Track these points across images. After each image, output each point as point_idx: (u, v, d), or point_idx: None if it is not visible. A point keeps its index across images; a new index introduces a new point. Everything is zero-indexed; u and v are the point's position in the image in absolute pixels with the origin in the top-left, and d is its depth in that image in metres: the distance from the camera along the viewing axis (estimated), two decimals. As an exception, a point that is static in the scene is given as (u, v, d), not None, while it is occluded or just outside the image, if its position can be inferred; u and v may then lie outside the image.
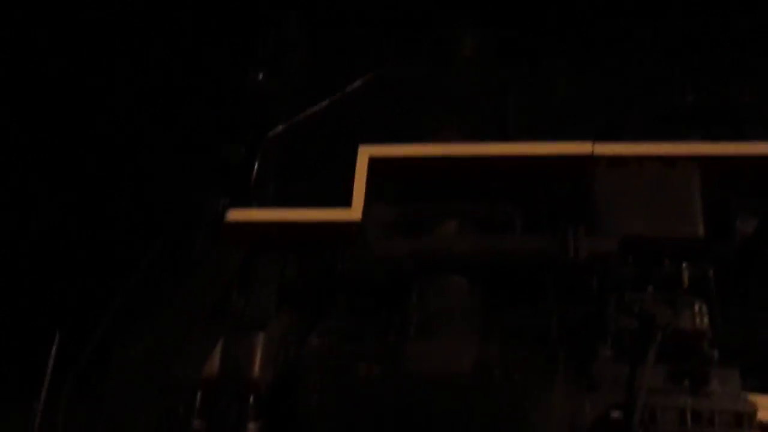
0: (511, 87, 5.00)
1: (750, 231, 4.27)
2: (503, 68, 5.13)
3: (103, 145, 5.31)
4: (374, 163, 4.59)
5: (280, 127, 4.79)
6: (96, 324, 4.34)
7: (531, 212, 4.64)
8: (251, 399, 4.44)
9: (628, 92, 4.79)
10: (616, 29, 4.97)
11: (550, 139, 4.56)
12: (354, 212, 4.49)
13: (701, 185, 4.22)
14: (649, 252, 4.22)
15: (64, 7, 5.45)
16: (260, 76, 4.87)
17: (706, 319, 4.02)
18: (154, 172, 5.13)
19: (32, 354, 4.25)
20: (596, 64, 4.98)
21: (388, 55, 5.14)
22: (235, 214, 4.57)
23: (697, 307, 4.06)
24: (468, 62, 5.32)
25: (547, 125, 4.82)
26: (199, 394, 4.44)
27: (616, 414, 3.95)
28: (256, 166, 4.69)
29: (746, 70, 4.69)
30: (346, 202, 4.50)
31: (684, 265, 4.17)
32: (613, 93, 4.82)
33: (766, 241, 4.15)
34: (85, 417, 4.25)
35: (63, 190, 5.19)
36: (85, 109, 5.43)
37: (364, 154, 4.60)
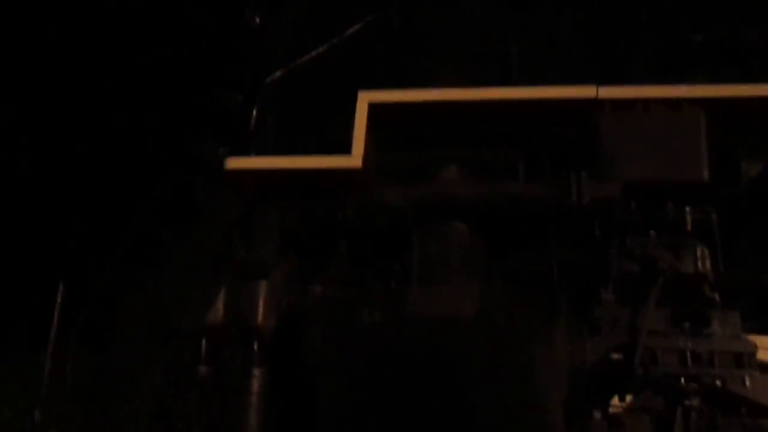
0: (514, 30, 4.87)
1: (755, 174, 4.24)
2: (506, 11, 4.98)
3: (101, 95, 5.20)
4: (374, 108, 4.50)
5: (278, 73, 4.69)
6: (100, 274, 4.35)
7: (534, 157, 4.59)
8: (255, 346, 4.50)
9: (634, 33, 4.68)
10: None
11: (554, 82, 4.47)
12: (354, 159, 4.43)
13: (707, 128, 4.16)
14: (652, 196, 4.20)
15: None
16: (257, 20, 4.73)
17: (708, 263, 4.03)
18: (152, 121, 5.04)
19: (39, 305, 4.27)
20: (601, 4, 4.85)
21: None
22: (235, 162, 4.52)
23: (699, 251, 4.06)
24: (470, 5, 5.17)
25: (551, 68, 4.72)
26: (204, 342, 4.50)
27: (616, 356, 4.00)
28: (254, 113, 4.61)
29: (755, 8, 4.56)
30: (346, 148, 4.44)
31: (687, 209, 4.16)
32: (618, 34, 4.71)
33: (771, 184, 4.13)
34: (93, 366, 4.30)
35: (63, 140, 5.11)
36: (83, 59, 5.30)
37: (364, 99, 4.50)
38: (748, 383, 3.76)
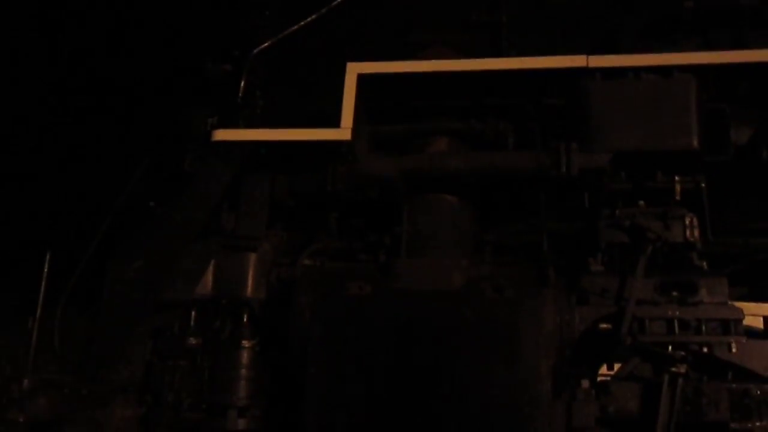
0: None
1: (744, 140, 4.21)
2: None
3: (88, 65, 5.19)
4: (363, 80, 4.47)
5: (266, 44, 4.67)
6: (88, 243, 4.36)
7: (524, 128, 4.56)
8: (245, 317, 4.51)
9: (624, 1, 4.64)
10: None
11: (545, 52, 4.43)
12: (343, 132, 4.40)
13: (697, 95, 4.12)
14: (642, 165, 4.17)
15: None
16: (245, -12, 4.71)
17: (696, 232, 4.01)
18: (140, 92, 5.03)
19: (26, 273, 4.28)
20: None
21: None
22: (222, 134, 4.50)
23: (688, 220, 4.05)
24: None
25: (541, 38, 4.69)
26: (193, 313, 4.51)
27: (604, 325, 4.00)
28: (242, 84, 4.59)
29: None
30: (335, 120, 4.42)
31: (676, 178, 4.13)
32: (608, 2, 4.67)
33: (761, 151, 4.09)
34: (81, 335, 4.32)
35: (49, 109, 5.10)
36: (69, 28, 5.27)
37: (353, 71, 4.46)
38: (734, 349, 3.76)
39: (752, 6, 4.31)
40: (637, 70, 4.22)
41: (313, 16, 4.68)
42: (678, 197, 4.10)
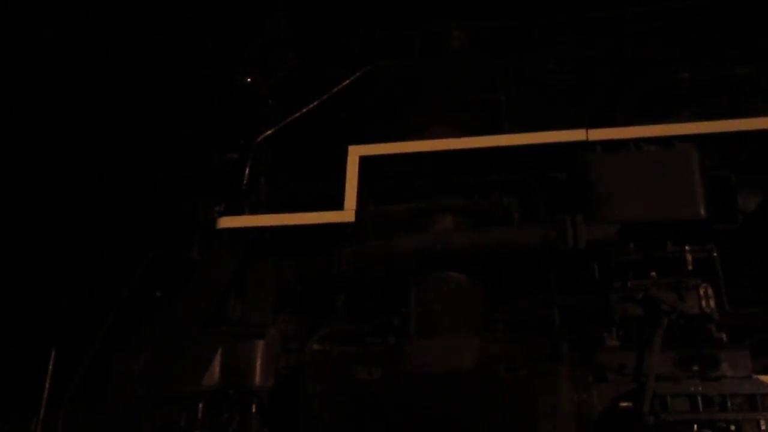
0: (502, 77, 4.93)
1: (752, 208, 4.15)
2: (492, 59, 5.06)
3: (95, 155, 5.30)
4: (365, 162, 4.53)
5: (269, 131, 4.76)
6: (93, 336, 4.32)
7: (528, 203, 4.55)
8: (253, 407, 4.40)
9: (622, 74, 4.70)
10: (607, 9, 4.90)
11: (545, 127, 4.47)
12: (346, 214, 4.42)
13: (700, 164, 4.10)
14: (651, 236, 4.11)
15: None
16: (248, 79, 4.84)
17: (712, 302, 3.90)
18: (148, 182, 5.11)
19: (31, 368, 4.23)
20: (587, 47, 4.91)
21: (377, 52, 5.09)
22: (227, 221, 4.53)
23: (702, 290, 3.94)
24: (456, 55, 5.26)
25: (540, 113, 4.74)
26: (200, 405, 4.41)
27: (625, 404, 3.84)
28: (247, 171, 4.66)
29: (737, 44, 4.58)
30: (339, 202, 4.44)
31: (687, 247, 4.06)
32: (606, 75, 4.74)
33: (770, 218, 4.03)
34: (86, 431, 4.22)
35: (57, 201, 5.18)
36: (75, 113, 5.42)
37: (355, 153, 4.53)
38: (763, 426, 3.57)
39: (748, 74, 4.35)
40: (637, 142, 4.23)
41: (315, 103, 4.80)
42: (690, 267, 4.01)
